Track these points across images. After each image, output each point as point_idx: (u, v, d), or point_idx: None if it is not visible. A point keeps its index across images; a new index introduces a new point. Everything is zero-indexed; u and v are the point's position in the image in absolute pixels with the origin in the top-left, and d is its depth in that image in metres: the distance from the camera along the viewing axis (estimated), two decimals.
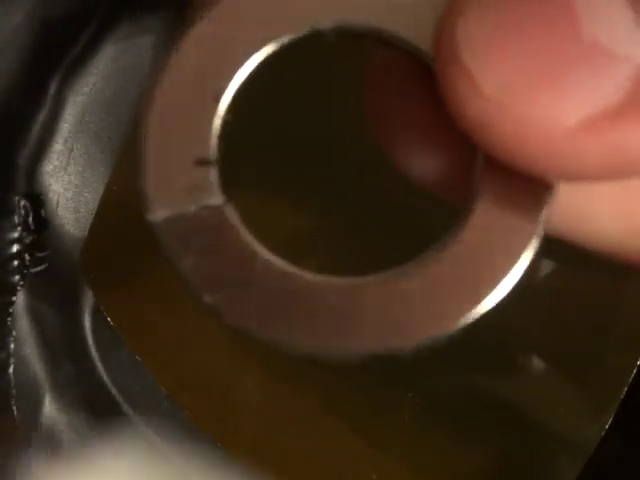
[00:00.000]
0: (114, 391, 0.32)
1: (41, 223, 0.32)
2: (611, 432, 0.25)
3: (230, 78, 0.14)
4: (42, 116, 0.31)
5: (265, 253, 0.14)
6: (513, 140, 0.12)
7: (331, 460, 0.27)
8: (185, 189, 0.14)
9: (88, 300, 0.32)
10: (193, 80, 0.14)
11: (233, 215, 0.14)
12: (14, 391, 0.31)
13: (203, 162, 0.14)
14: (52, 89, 0.31)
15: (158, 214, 0.14)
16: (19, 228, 0.31)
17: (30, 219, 0.31)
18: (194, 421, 0.28)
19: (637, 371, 0.25)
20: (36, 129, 0.31)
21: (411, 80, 0.15)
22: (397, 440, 0.27)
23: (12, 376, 0.31)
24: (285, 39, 0.14)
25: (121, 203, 0.28)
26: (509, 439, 0.26)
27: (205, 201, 0.14)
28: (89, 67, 0.31)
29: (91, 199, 0.32)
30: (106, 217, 0.28)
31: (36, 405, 0.31)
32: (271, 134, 0.26)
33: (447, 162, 0.15)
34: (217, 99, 0.14)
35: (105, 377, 0.32)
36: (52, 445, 0.31)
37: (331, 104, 0.26)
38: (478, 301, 0.13)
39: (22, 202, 0.31)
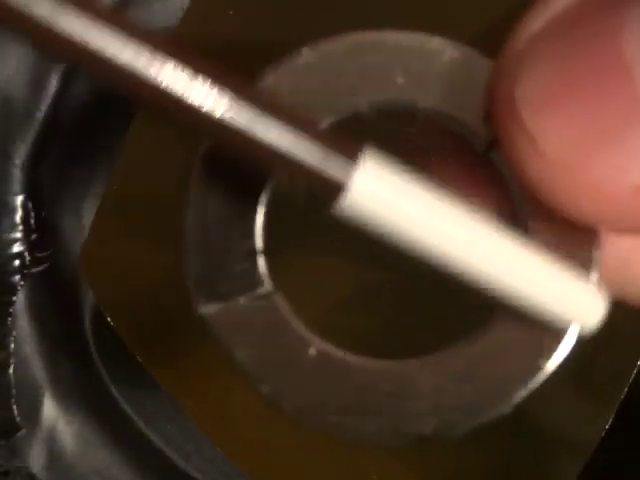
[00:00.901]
0: (114, 391, 0.32)
1: (42, 223, 0.32)
2: (611, 432, 0.25)
3: None
4: (42, 116, 0.31)
5: (317, 341, 0.14)
6: (575, 198, 0.12)
7: (331, 460, 0.27)
8: (234, 280, 0.14)
9: (88, 300, 0.32)
10: (237, 171, 0.14)
11: (283, 303, 0.14)
12: (14, 391, 0.31)
13: (251, 252, 0.14)
14: (52, 89, 0.31)
15: (209, 307, 0.14)
16: (19, 228, 0.31)
17: (30, 219, 0.31)
18: (194, 421, 0.28)
19: (637, 371, 0.25)
20: (36, 129, 0.31)
21: (450, 152, 0.15)
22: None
23: (12, 376, 0.31)
24: (325, 123, 0.14)
25: (121, 203, 0.27)
26: (509, 439, 0.26)
27: (255, 291, 0.14)
28: None
29: (92, 199, 0.32)
30: (106, 217, 0.28)
31: (36, 405, 0.31)
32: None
33: None
34: (262, 188, 0.14)
35: (105, 377, 0.32)
36: (52, 445, 0.31)
37: None
38: (530, 378, 0.14)
39: (22, 202, 0.31)
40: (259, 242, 0.14)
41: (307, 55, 0.14)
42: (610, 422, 0.25)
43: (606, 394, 0.25)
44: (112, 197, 0.28)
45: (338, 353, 0.14)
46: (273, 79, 0.14)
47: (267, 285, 0.14)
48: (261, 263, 0.14)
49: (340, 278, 0.26)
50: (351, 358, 0.14)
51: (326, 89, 0.14)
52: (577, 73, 0.12)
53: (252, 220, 0.14)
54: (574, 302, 0.13)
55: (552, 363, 0.14)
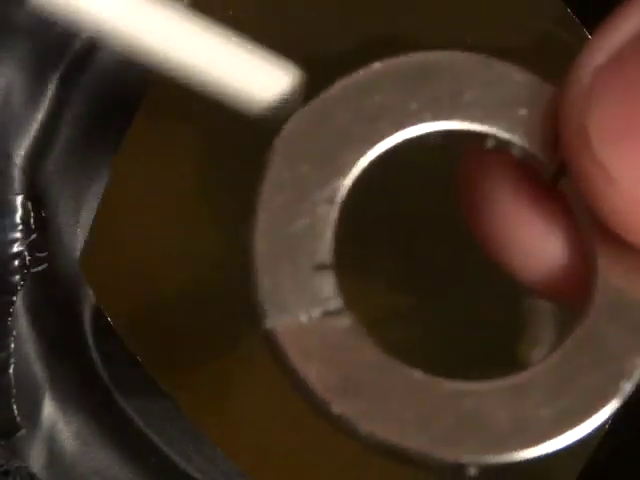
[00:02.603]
0: (114, 391, 0.32)
1: (41, 223, 0.32)
2: (611, 432, 0.25)
3: (343, 179, 0.14)
4: (42, 116, 0.31)
5: (390, 359, 0.13)
6: None
7: (331, 460, 0.27)
8: (304, 296, 0.13)
9: (88, 300, 0.32)
10: (303, 184, 0.14)
11: (354, 320, 0.13)
12: (14, 391, 0.31)
13: (321, 267, 0.14)
14: (52, 89, 0.31)
15: (278, 322, 0.13)
16: (19, 228, 0.31)
17: (30, 219, 0.31)
18: (194, 421, 0.28)
19: None
20: (36, 129, 0.31)
21: (513, 180, 0.15)
22: None
23: (12, 376, 0.31)
24: (392, 141, 0.14)
25: (122, 203, 0.27)
26: None
27: (325, 307, 0.13)
28: (89, 67, 0.31)
29: (92, 199, 0.32)
30: (107, 217, 0.28)
31: (36, 405, 0.31)
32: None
33: (556, 263, 0.14)
34: (332, 202, 0.14)
35: (105, 377, 0.32)
36: (52, 445, 0.31)
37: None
38: (605, 404, 0.13)
39: (22, 202, 0.31)
40: (330, 255, 0.14)
41: (375, 71, 0.14)
42: (610, 422, 0.25)
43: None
44: (112, 197, 0.28)
45: (413, 372, 0.13)
46: (339, 94, 0.14)
47: (338, 300, 0.14)
48: (332, 278, 0.14)
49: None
50: (425, 377, 0.13)
51: (394, 107, 0.14)
52: None
53: (324, 233, 0.14)
54: (258, 77, 0.13)
55: (622, 394, 0.13)
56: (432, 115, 0.14)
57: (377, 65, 0.14)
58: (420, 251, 0.26)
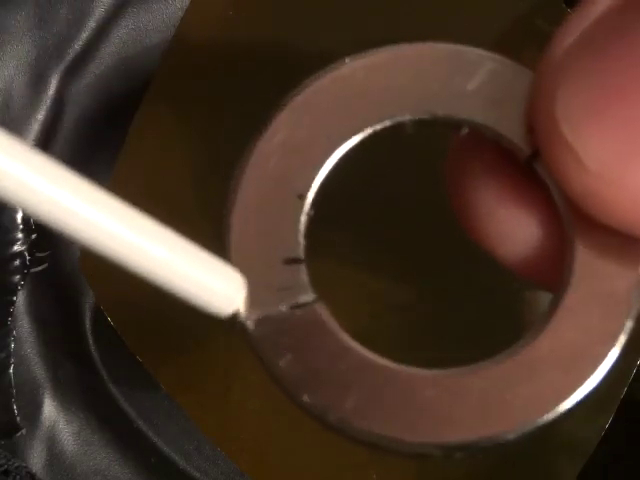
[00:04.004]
0: (114, 391, 0.32)
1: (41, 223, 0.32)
2: (611, 432, 0.25)
3: (313, 174, 0.14)
4: (42, 116, 0.31)
5: (359, 348, 0.13)
6: (618, 210, 0.12)
7: (331, 460, 0.27)
8: (275, 289, 0.14)
9: (88, 300, 0.32)
10: (276, 179, 0.14)
11: (325, 311, 0.14)
12: (14, 391, 0.31)
13: (292, 261, 0.14)
14: (52, 89, 0.31)
15: (249, 315, 0.14)
16: (20, 228, 0.31)
17: (30, 219, 0.31)
18: (194, 421, 0.28)
19: (637, 371, 0.25)
20: (36, 129, 0.31)
21: (491, 163, 0.15)
22: None
23: (12, 376, 0.31)
24: (366, 132, 0.14)
25: None
26: None
27: (296, 299, 0.14)
28: (89, 67, 0.31)
29: None
30: None
31: (36, 405, 0.31)
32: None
33: (534, 243, 0.15)
34: (302, 197, 0.14)
35: (105, 377, 0.32)
36: (52, 445, 0.31)
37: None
38: (579, 384, 0.13)
39: None
40: (301, 249, 0.14)
41: (348, 66, 0.14)
42: (610, 422, 0.25)
43: (606, 394, 0.25)
44: None
45: (382, 362, 0.13)
46: (315, 89, 0.14)
47: (309, 293, 0.14)
48: (303, 271, 0.14)
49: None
50: (395, 366, 0.13)
51: (366, 100, 0.14)
52: (615, 86, 0.12)
53: (294, 227, 0.14)
54: (212, 288, 0.13)
55: (595, 377, 0.13)
56: (406, 105, 0.14)
57: (348, 60, 0.14)
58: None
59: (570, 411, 0.13)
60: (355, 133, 0.14)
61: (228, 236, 0.14)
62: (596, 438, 0.25)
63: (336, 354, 0.13)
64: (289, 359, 0.13)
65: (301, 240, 0.14)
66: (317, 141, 0.14)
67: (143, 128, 0.27)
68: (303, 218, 0.14)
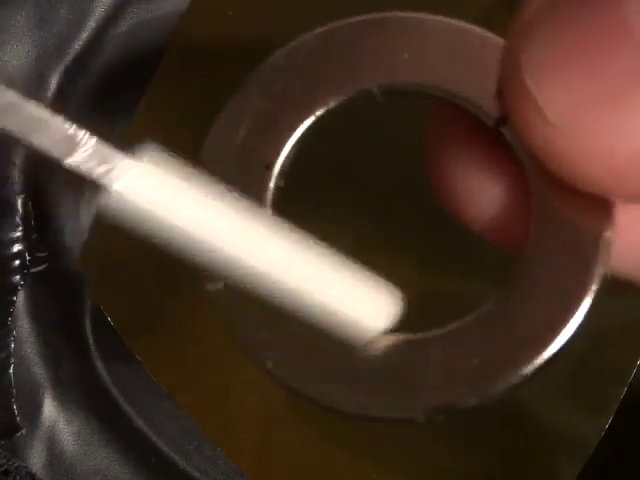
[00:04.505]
0: (114, 391, 0.32)
1: (42, 223, 0.32)
2: (611, 432, 0.25)
3: (281, 144, 0.14)
4: None
5: None
6: (580, 164, 0.12)
7: (331, 460, 0.27)
8: None
9: (88, 300, 0.32)
10: (242, 150, 0.14)
11: None
12: (14, 391, 0.31)
13: None
14: (52, 89, 0.31)
15: (217, 283, 0.14)
16: (20, 228, 0.31)
17: (30, 219, 0.31)
18: (194, 421, 0.28)
19: (637, 371, 0.25)
20: None
21: (462, 130, 0.15)
22: (397, 440, 0.27)
23: (12, 376, 0.31)
24: (333, 102, 0.14)
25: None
26: (509, 439, 0.26)
27: None
28: (89, 66, 0.31)
29: (92, 199, 0.32)
30: (106, 217, 0.28)
31: (36, 405, 0.31)
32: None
33: (502, 206, 0.15)
34: (269, 167, 0.14)
35: (105, 377, 0.32)
36: (52, 445, 0.31)
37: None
38: (542, 349, 0.13)
39: (22, 202, 0.31)
40: None
41: (315, 37, 0.14)
42: (610, 422, 0.25)
43: (606, 394, 0.25)
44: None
45: None
46: (282, 61, 0.14)
47: None
48: None
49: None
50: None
51: (333, 70, 0.14)
52: (578, 37, 0.12)
53: (262, 197, 0.14)
54: (365, 305, 0.13)
55: (559, 341, 0.13)
56: (374, 74, 0.14)
57: (319, 29, 0.14)
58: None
59: (541, 371, 0.13)
60: (323, 103, 0.14)
61: None
62: (596, 438, 0.25)
63: (302, 320, 0.13)
64: (252, 325, 0.14)
65: (269, 209, 0.14)
66: (285, 111, 0.14)
67: (142, 130, 0.27)
68: (270, 188, 0.14)
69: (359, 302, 0.13)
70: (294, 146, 0.14)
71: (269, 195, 0.14)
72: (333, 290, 0.13)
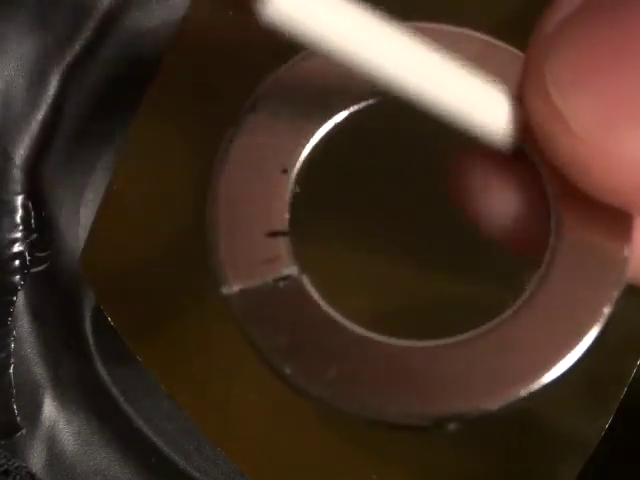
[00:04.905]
0: (114, 391, 0.32)
1: (42, 223, 0.32)
2: (611, 432, 0.25)
3: (298, 150, 0.14)
4: (42, 116, 0.31)
5: (343, 321, 0.14)
6: (605, 178, 0.12)
7: (331, 460, 0.27)
8: (260, 262, 0.14)
9: (88, 300, 0.32)
10: (261, 154, 0.14)
11: (308, 284, 0.14)
12: (14, 391, 0.31)
13: (276, 234, 0.14)
14: (52, 89, 0.31)
15: (233, 287, 0.14)
16: (20, 228, 0.31)
17: (30, 219, 0.31)
18: (194, 421, 0.28)
19: (637, 371, 0.25)
20: (36, 129, 0.31)
21: (480, 146, 0.15)
22: (397, 440, 0.27)
23: (12, 376, 0.31)
24: (351, 109, 0.14)
25: (122, 203, 0.28)
26: (508, 439, 0.26)
27: (280, 272, 0.14)
28: (89, 67, 0.31)
29: (92, 199, 0.32)
30: (107, 217, 0.28)
31: (36, 405, 0.31)
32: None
33: (521, 217, 0.15)
34: (286, 171, 0.14)
35: (105, 377, 0.32)
36: (52, 445, 0.31)
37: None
38: (560, 358, 0.13)
39: (23, 202, 0.31)
40: (285, 223, 0.14)
41: None
42: (610, 422, 0.25)
43: (606, 394, 0.25)
44: (112, 197, 0.28)
45: (365, 334, 0.14)
46: (303, 64, 0.14)
47: (293, 266, 0.14)
48: (287, 244, 0.14)
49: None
50: (378, 338, 0.14)
51: (352, 77, 0.14)
52: (605, 50, 0.12)
53: (279, 201, 0.14)
54: (484, 107, 0.13)
55: (576, 352, 0.13)
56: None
57: None
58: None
59: (555, 383, 0.13)
60: (341, 109, 0.14)
61: (213, 208, 0.14)
62: (596, 438, 0.25)
63: (319, 326, 0.13)
64: (271, 331, 0.14)
65: (286, 214, 0.14)
66: (304, 116, 0.14)
67: (144, 129, 0.27)
68: (288, 192, 0.14)
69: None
70: (311, 151, 0.14)
71: (287, 198, 0.14)
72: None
